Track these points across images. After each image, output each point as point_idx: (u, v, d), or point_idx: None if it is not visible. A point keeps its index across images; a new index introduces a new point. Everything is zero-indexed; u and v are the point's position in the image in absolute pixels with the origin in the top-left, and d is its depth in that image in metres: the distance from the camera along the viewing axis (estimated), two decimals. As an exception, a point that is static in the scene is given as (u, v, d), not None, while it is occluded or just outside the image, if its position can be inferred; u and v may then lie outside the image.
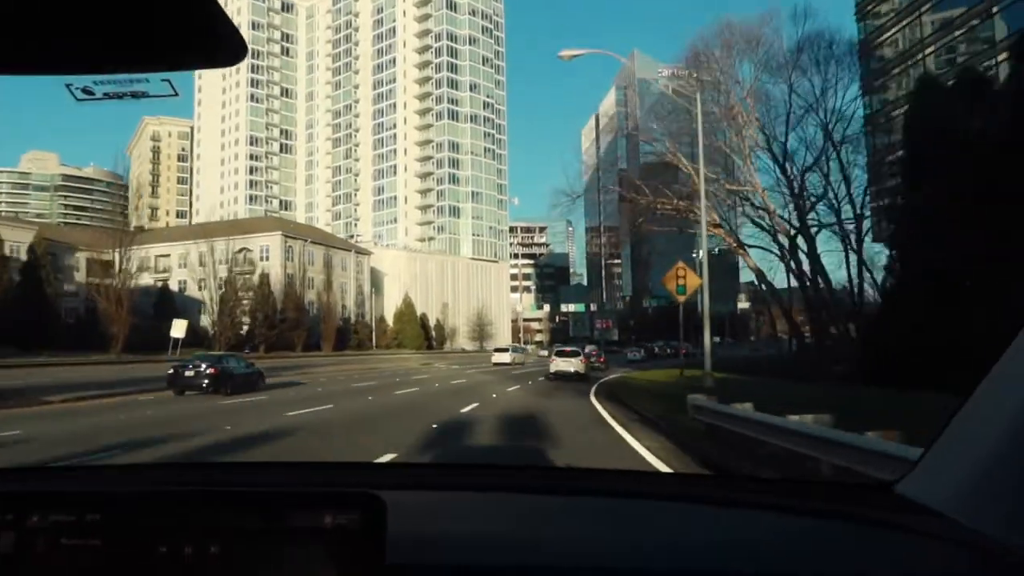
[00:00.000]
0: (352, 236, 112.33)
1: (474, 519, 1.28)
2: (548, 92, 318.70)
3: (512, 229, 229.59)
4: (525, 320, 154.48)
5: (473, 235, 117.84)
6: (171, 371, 22.32)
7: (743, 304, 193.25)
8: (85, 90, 0.80)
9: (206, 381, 21.54)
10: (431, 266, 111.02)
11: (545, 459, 8.76)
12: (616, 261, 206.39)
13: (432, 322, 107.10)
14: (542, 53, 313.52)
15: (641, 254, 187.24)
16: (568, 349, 34.44)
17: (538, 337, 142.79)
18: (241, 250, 77.96)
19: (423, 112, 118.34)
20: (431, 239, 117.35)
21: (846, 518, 1.20)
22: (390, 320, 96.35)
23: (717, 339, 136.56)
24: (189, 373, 21.81)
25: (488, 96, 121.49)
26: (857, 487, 1.44)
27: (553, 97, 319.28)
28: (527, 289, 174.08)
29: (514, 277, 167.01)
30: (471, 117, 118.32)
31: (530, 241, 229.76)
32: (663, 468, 8.97)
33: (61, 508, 1.01)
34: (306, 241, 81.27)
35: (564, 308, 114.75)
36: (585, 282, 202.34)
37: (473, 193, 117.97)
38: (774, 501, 1.32)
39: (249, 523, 1.00)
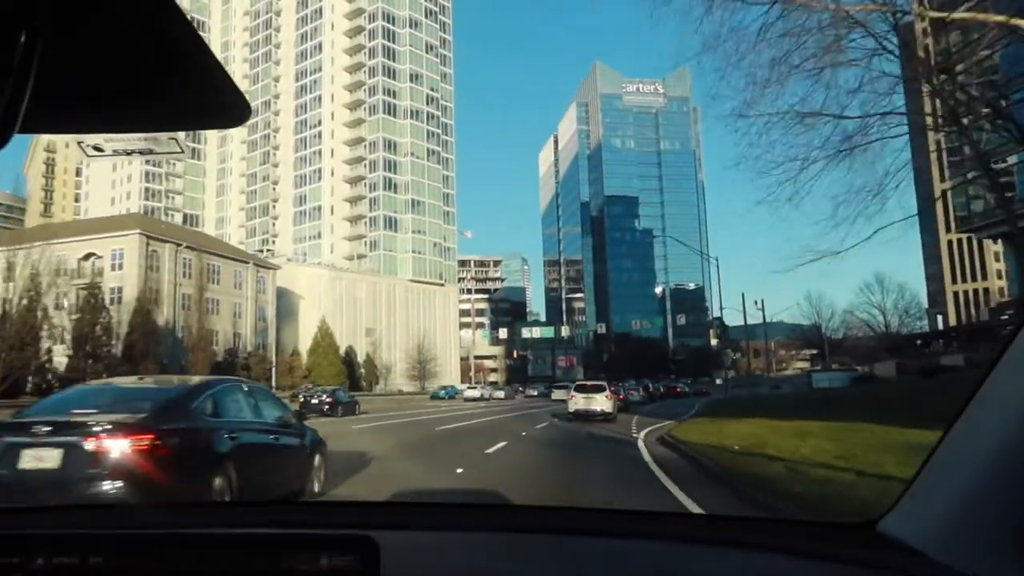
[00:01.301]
0: (263, 251, 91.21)
1: (467, 559, 1.29)
2: (501, 115, 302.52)
3: (465, 262, 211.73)
4: (478, 357, 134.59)
5: (413, 252, 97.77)
6: (301, 399, 31.44)
7: (713, 340, 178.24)
8: (95, 147, 0.82)
9: (327, 406, 30.83)
10: (361, 288, 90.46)
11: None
12: (577, 295, 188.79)
13: (360, 356, 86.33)
14: (492, 73, 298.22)
15: (606, 285, 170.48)
16: (590, 384, 29.01)
17: (492, 377, 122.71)
18: (88, 256, 56.90)
19: (354, 106, 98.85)
20: (362, 257, 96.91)
21: (827, 558, 1.20)
22: (305, 354, 75.46)
23: (706, 378, 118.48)
24: (315, 401, 31.34)
25: (432, 89, 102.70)
26: (839, 526, 1.43)
27: (506, 120, 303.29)
28: (480, 325, 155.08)
29: (466, 312, 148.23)
30: (412, 112, 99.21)
31: (484, 275, 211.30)
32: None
33: (54, 550, 1.01)
34: (179, 246, 60.29)
35: (527, 334, 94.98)
36: (544, 318, 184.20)
37: (414, 202, 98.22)
38: (756, 540, 1.32)
39: (245, 566, 1.01)
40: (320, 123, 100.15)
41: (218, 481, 5.85)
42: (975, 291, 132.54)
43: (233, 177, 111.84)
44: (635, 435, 20.07)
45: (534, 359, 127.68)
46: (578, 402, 26.69)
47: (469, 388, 64.51)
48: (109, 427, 5.19)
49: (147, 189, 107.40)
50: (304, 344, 77.21)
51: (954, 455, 1.06)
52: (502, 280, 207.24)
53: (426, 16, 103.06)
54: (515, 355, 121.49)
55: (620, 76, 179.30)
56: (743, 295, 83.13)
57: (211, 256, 63.37)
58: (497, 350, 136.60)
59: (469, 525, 1.51)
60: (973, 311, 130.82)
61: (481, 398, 60.80)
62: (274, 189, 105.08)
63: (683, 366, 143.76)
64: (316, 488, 7.91)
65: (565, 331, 74.37)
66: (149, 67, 0.59)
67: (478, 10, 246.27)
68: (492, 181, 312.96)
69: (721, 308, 67.77)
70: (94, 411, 5.53)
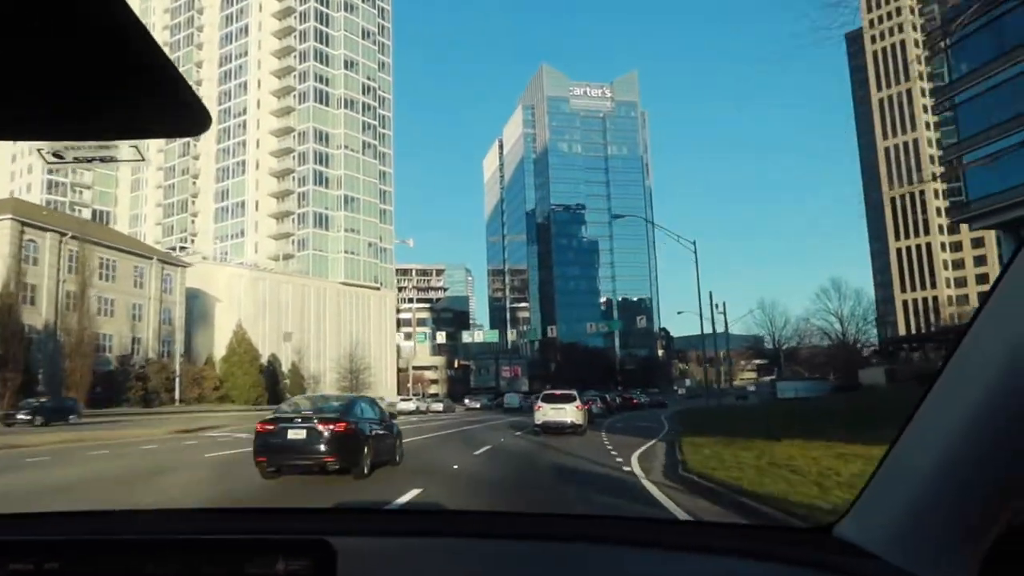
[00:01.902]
0: (177, 248, 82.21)
1: (424, 565, 1.30)
2: (443, 116, 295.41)
3: (406, 271, 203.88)
4: (416, 368, 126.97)
5: (346, 252, 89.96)
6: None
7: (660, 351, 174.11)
8: (55, 154, 0.82)
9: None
10: (286, 291, 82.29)
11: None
12: (522, 304, 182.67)
13: (285, 366, 78.12)
14: (434, 72, 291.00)
15: (552, 293, 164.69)
16: (559, 393, 25.44)
17: (433, 389, 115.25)
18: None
19: (282, 92, 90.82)
20: (289, 257, 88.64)
21: (783, 560, 1.22)
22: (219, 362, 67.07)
23: (655, 389, 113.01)
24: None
25: (369, 78, 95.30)
26: (796, 530, 1.45)
27: (449, 123, 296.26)
28: (423, 337, 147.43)
29: (407, 322, 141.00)
30: (346, 102, 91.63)
31: (426, 284, 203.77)
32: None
33: (18, 555, 1.02)
34: (64, 235, 51.66)
35: (468, 339, 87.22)
36: (488, 328, 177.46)
37: (347, 199, 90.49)
38: (715, 544, 1.34)
39: (202, 570, 1.03)
40: (245, 111, 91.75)
41: (366, 449, 11.14)
42: (924, 299, 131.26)
43: (150, 171, 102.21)
44: (622, 462, 13.64)
45: (477, 369, 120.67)
46: (546, 413, 24.44)
47: (403, 400, 57.25)
48: (325, 419, 10.87)
49: (50, 182, 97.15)
50: (220, 351, 68.85)
51: (904, 461, 1.08)
52: (445, 290, 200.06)
53: (363, 0, 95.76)
54: (456, 365, 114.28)
55: (567, 79, 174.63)
56: (710, 294, 77.27)
57: (104, 249, 54.81)
58: (438, 360, 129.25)
59: (427, 531, 1.50)
60: (923, 320, 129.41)
61: (416, 411, 53.81)
62: (194, 183, 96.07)
63: (631, 377, 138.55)
64: (397, 459, 13.23)
65: (511, 336, 67.63)
66: (109, 76, 0.59)
67: (418, 3, 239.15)
68: (435, 187, 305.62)
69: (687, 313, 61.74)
70: (313, 411, 11.35)
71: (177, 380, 54.14)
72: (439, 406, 58.75)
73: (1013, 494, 0.87)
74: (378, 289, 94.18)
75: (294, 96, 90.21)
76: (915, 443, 1.05)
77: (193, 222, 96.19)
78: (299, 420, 10.78)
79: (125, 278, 56.92)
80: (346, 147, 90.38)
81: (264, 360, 76.49)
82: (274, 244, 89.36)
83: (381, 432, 12.18)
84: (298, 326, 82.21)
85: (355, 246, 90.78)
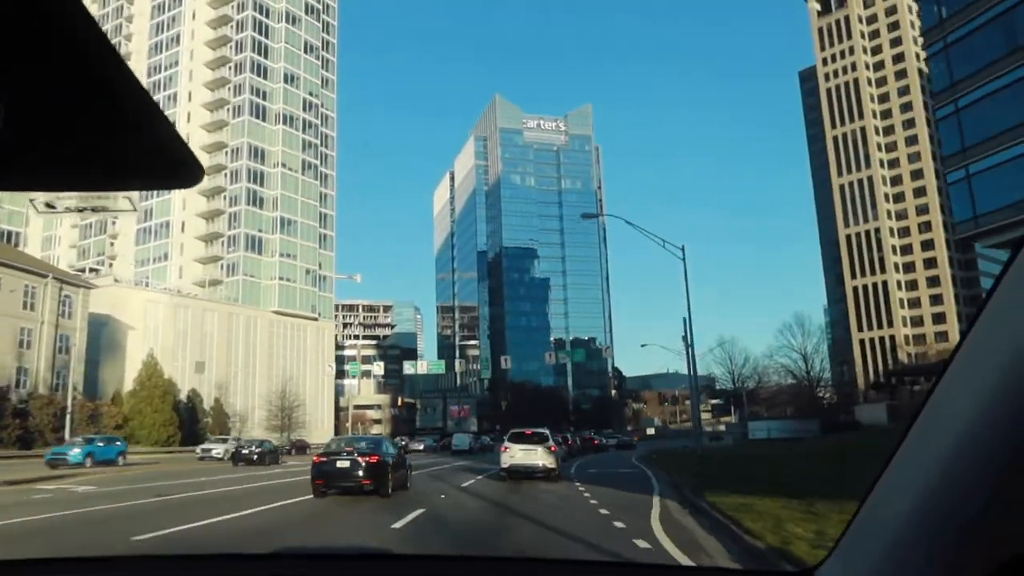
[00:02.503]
0: (87, 270, 73.90)
1: None
2: (393, 149, 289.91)
3: (352, 307, 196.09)
4: (358, 407, 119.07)
5: (281, 279, 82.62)
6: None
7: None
8: (48, 204, 0.82)
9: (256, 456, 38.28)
10: (212, 320, 74.55)
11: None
12: (472, 342, 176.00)
13: (208, 402, 70.09)
14: (383, 102, 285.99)
15: (503, 330, 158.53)
16: (529, 432, 22.47)
17: (376, 429, 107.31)
18: None
19: (215, 106, 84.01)
20: (217, 283, 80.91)
21: None
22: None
23: (609, 430, 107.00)
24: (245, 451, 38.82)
25: (311, 94, 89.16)
26: (780, 574, 1.35)
27: (399, 156, 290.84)
28: (367, 374, 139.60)
29: (351, 359, 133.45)
30: (285, 118, 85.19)
31: (373, 321, 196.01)
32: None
33: None
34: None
35: (410, 370, 78.43)
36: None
37: (284, 221, 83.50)
38: None
39: None
40: (174, 124, 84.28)
41: (389, 476, 15.30)
42: (881, 339, 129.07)
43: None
44: (646, 545, 7.69)
45: (423, 408, 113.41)
46: (514, 455, 21.76)
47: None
48: (362, 452, 15.29)
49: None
50: (131, 386, 60.76)
51: (886, 501, 1.07)
52: (392, 327, 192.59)
53: (307, 12, 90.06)
54: (400, 403, 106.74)
55: (520, 111, 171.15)
56: (687, 321, 72.11)
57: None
58: (383, 399, 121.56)
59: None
60: (880, 359, 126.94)
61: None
62: (114, 200, 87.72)
63: (585, 417, 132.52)
64: (408, 485, 17.61)
65: (459, 371, 60.76)
66: (102, 128, 0.60)
67: (367, 24, 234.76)
68: (384, 222, 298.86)
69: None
70: (353, 448, 15.64)
71: (68, 417, 46.12)
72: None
73: (995, 533, 0.87)
74: (316, 320, 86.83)
75: (228, 110, 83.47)
76: (897, 482, 1.04)
77: (112, 244, 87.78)
78: (344, 454, 15.33)
79: (9, 298, 49.00)
80: (284, 165, 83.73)
81: (183, 396, 68.44)
82: (201, 268, 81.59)
83: (398, 464, 17.06)
84: (224, 359, 74.36)
85: (291, 272, 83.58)
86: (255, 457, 37.05)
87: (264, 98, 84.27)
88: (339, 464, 14.93)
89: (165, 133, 0.63)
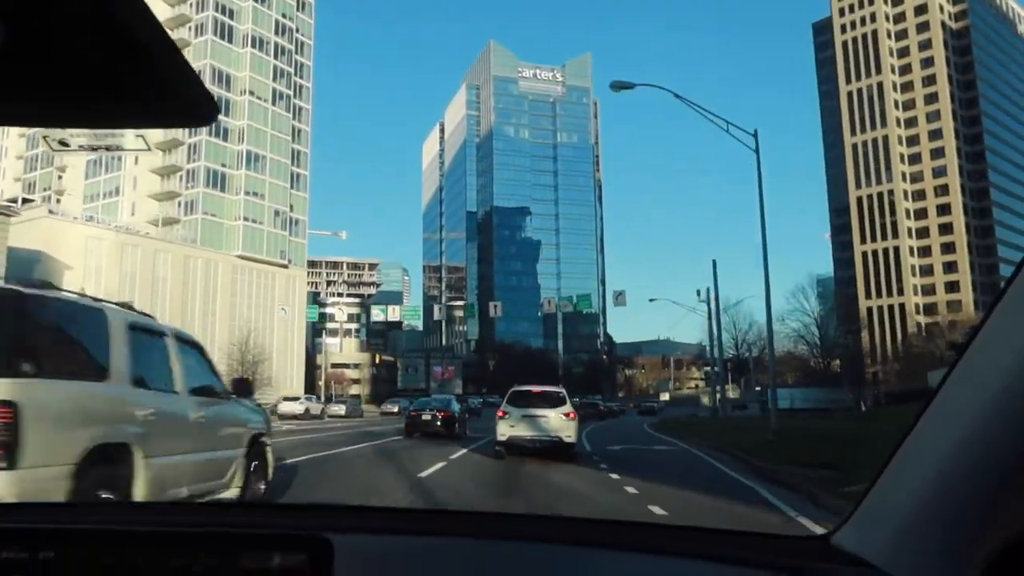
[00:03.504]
0: (20, 201, 65.39)
1: (420, 564, 1.31)
2: (379, 95, 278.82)
3: (337, 264, 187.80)
4: (336, 365, 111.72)
5: (246, 220, 74.28)
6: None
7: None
8: (61, 141, 0.89)
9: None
10: (165, 263, 66.36)
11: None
12: (459, 303, 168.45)
13: (158, 355, 62.06)
14: (367, 46, 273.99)
15: (492, 289, 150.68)
16: (537, 391, 16.56)
17: (354, 389, 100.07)
18: None
19: (175, 23, 74.81)
20: (174, 222, 72.57)
21: (780, 568, 1.22)
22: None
23: (597, 396, 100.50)
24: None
25: (284, 16, 80.00)
26: (794, 538, 1.45)
27: (386, 106, 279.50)
28: (350, 333, 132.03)
29: (334, 318, 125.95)
30: (254, 40, 76.16)
31: (358, 279, 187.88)
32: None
33: (12, 543, 1.02)
34: None
35: (377, 315, 69.01)
36: (422, 327, 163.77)
37: (251, 155, 74.90)
38: (712, 551, 1.34)
39: (197, 564, 1.04)
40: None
41: (456, 426, 22.44)
42: (890, 307, 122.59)
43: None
44: None
45: (404, 368, 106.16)
46: (515, 423, 15.18)
47: (286, 401, 42.88)
48: (438, 408, 23.26)
49: None
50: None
51: (905, 470, 1.08)
52: (378, 285, 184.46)
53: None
54: (378, 360, 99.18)
55: (515, 58, 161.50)
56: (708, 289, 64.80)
57: None
58: (364, 358, 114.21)
59: (426, 530, 1.51)
60: (888, 329, 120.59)
61: (307, 415, 39.47)
62: (60, 129, 78.84)
63: (576, 381, 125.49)
64: (467, 432, 23.32)
65: (437, 312, 52.66)
66: (115, 65, 0.58)
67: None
68: (371, 177, 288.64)
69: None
70: (432, 403, 24.74)
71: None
72: (340, 408, 44.22)
73: (1013, 505, 0.87)
74: (286, 267, 78.70)
75: (189, 28, 74.35)
76: (917, 452, 1.05)
77: (60, 178, 79.03)
78: (427, 410, 22.65)
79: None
80: (252, 93, 74.94)
81: (129, 346, 60.68)
82: (156, 206, 73.20)
83: (462, 419, 23.73)
84: (178, 306, 66.35)
85: (258, 213, 75.22)
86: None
87: (231, 16, 75.17)
88: (424, 417, 22.34)
89: (179, 71, 0.60)
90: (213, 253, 71.16)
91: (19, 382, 3.94)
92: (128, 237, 64.77)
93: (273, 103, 77.56)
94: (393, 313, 37.87)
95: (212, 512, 1.80)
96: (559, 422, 15.13)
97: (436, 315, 48.75)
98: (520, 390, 16.31)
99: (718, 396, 42.75)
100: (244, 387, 7.98)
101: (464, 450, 17.16)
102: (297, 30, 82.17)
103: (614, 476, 11.85)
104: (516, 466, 13.48)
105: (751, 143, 19.26)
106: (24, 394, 3.92)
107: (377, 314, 42.67)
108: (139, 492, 4.63)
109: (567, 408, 15.58)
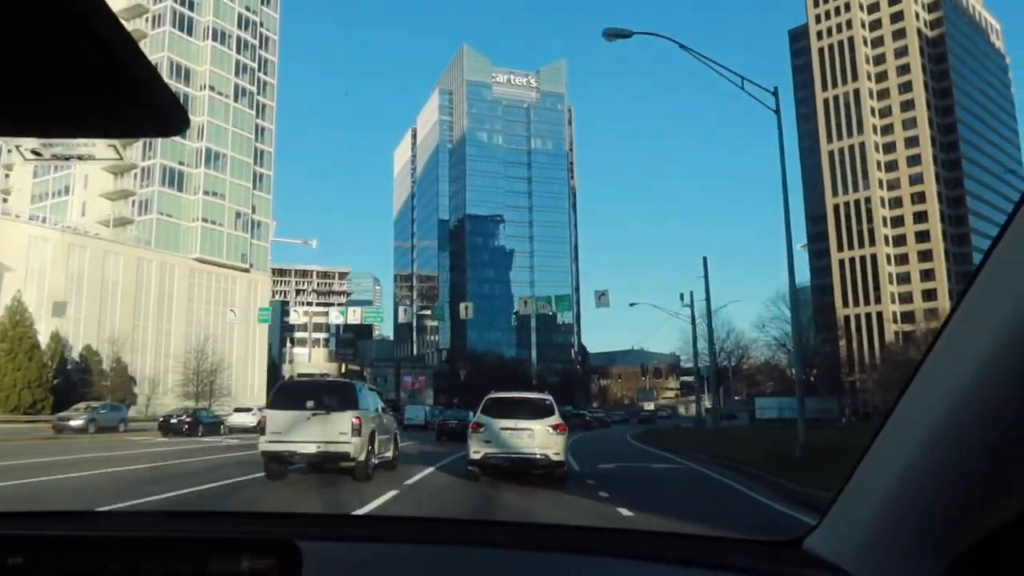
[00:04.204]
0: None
1: (387, 570, 1.32)
2: (350, 106, 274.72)
3: (307, 273, 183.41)
4: (302, 375, 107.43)
5: (205, 221, 70.40)
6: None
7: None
8: (33, 151, 0.82)
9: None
10: (116, 265, 62.34)
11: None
12: (428, 311, 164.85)
13: (107, 363, 58.14)
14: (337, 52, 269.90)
15: (464, 297, 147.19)
16: (518, 397, 13.98)
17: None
18: None
19: (132, 13, 70.89)
20: (127, 222, 68.49)
21: (752, 573, 1.22)
22: None
23: (569, 407, 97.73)
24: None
25: (248, 8, 76.49)
26: (766, 543, 1.42)
27: (357, 112, 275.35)
28: (319, 343, 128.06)
29: (302, 327, 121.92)
30: (215, 33, 72.55)
31: (328, 288, 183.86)
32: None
33: None
34: None
35: (336, 318, 64.06)
36: (392, 338, 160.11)
37: (210, 153, 71.09)
38: (685, 555, 1.34)
39: (168, 568, 1.04)
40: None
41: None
42: (868, 315, 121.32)
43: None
44: None
45: (372, 378, 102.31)
46: (493, 436, 12.59)
47: (237, 412, 39.05)
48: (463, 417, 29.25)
49: None
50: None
51: (872, 473, 1.07)
52: (348, 295, 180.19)
53: (243, -87, 77.01)
54: (343, 370, 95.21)
55: (489, 64, 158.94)
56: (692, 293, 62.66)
57: None
58: (333, 367, 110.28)
59: (393, 537, 1.53)
60: (866, 337, 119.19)
61: (260, 427, 35.72)
62: (8, 125, 74.46)
63: (549, 391, 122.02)
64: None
65: (403, 314, 49.37)
66: (85, 74, 0.58)
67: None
68: (342, 188, 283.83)
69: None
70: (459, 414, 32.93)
71: None
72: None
73: (983, 506, 0.88)
74: (247, 271, 74.83)
75: (146, 19, 70.50)
76: (884, 456, 1.05)
77: (7, 176, 74.53)
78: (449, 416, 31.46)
79: None
80: (212, 89, 71.21)
81: (76, 354, 56.53)
82: (108, 205, 69.03)
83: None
84: (129, 311, 62.30)
85: (217, 214, 71.32)
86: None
87: (191, 8, 71.48)
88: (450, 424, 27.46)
89: (150, 81, 0.60)
90: (169, 255, 67.13)
91: (358, 411, 11.98)
92: (76, 237, 60.66)
93: (235, 99, 73.88)
94: (354, 315, 35.31)
95: (182, 519, 1.86)
96: (545, 437, 12.42)
97: (401, 317, 45.85)
98: (498, 397, 13.54)
99: (707, 405, 39.96)
100: (391, 405, 19.75)
101: (431, 469, 14.13)
102: (261, 24, 78.67)
103: (625, 512, 8.81)
104: (490, 491, 10.52)
105: (770, 101, 16.43)
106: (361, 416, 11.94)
107: (336, 317, 39.82)
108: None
109: (554, 419, 12.83)
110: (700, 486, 12.94)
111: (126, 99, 0.61)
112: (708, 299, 33.30)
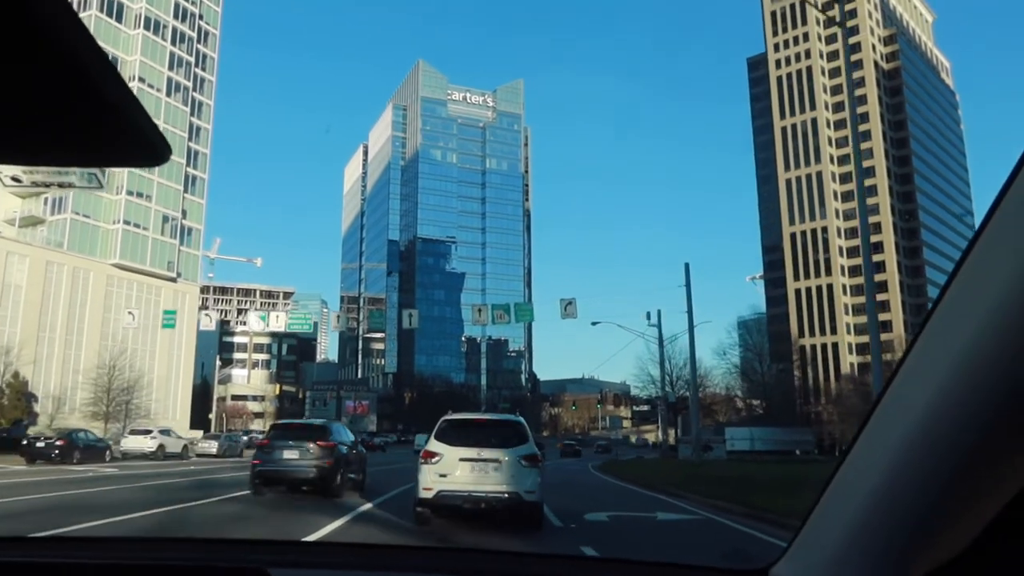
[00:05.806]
0: None
1: None
2: (300, 116, 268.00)
3: (249, 291, 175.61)
4: (236, 397, 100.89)
5: (127, 224, 64.06)
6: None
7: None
8: (14, 178, 1.40)
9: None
10: (20, 268, 55.69)
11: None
12: (378, 334, 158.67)
13: (4, 377, 51.37)
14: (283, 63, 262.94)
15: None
16: (484, 419, 11.46)
17: (256, 423, 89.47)
18: None
19: None
20: (37, 222, 61.77)
21: None
22: None
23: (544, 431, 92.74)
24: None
25: (187, -1, 70.96)
26: (733, 572, 1.43)
27: (307, 119, 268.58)
28: (259, 364, 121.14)
29: (242, 347, 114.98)
30: (148, 22, 66.88)
31: (272, 308, 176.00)
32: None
33: None
34: None
35: (256, 325, 59.80)
36: (336, 360, 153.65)
37: (137, 151, 64.83)
38: None
39: None
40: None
41: (339, 477, 13.46)
42: (824, 345, 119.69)
43: None
44: None
45: (312, 401, 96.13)
46: (451, 469, 10.07)
47: (133, 435, 33.29)
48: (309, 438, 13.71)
49: None
50: None
51: (836, 500, 1.08)
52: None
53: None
54: (277, 390, 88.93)
55: (446, 80, 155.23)
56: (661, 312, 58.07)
57: None
58: (271, 390, 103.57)
59: (362, 564, 1.53)
60: (822, 367, 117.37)
61: (160, 453, 30.26)
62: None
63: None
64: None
65: (335, 322, 44.14)
66: (70, 105, 0.58)
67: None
68: (290, 203, 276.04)
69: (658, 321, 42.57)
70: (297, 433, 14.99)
71: None
72: (212, 446, 35.12)
73: (948, 528, 0.88)
74: (174, 281, 68.44)
75: (72, 1, 64.38)
76: (848, 483, 1.05)
77: (-95, 169, 67.01)
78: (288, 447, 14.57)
79: None
80: (142, 80, 65.27)
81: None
82: (16, 202, 62.19)
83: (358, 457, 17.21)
84: (33, 320, 55.60)
85: (142, 217, 65.05)
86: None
87: (121, -6, 65.75)
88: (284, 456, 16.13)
89: (132, 111, 0.59)
90: (84, 259, 60.58)
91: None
92: (-28, 236, 54.02)
93: (168, 94, 68.07)
94: (276, 322, 31.57)
95: (155, 546, 1.86)
96: (516, 470, 9.94)
97: (335, 323, 41.49)
98: (457, 419, 10.88)
99: (687, 435, 35.68)
100: None
101: (365, 506, 9.66)
102: (201, 17, 73.23)
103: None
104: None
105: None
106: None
107: (257, 322, 35.70)
108: None
109: (528, 449, 10.13)
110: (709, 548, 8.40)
111: (108, 129, 0.60)
112: (690, 309, 29.25)
